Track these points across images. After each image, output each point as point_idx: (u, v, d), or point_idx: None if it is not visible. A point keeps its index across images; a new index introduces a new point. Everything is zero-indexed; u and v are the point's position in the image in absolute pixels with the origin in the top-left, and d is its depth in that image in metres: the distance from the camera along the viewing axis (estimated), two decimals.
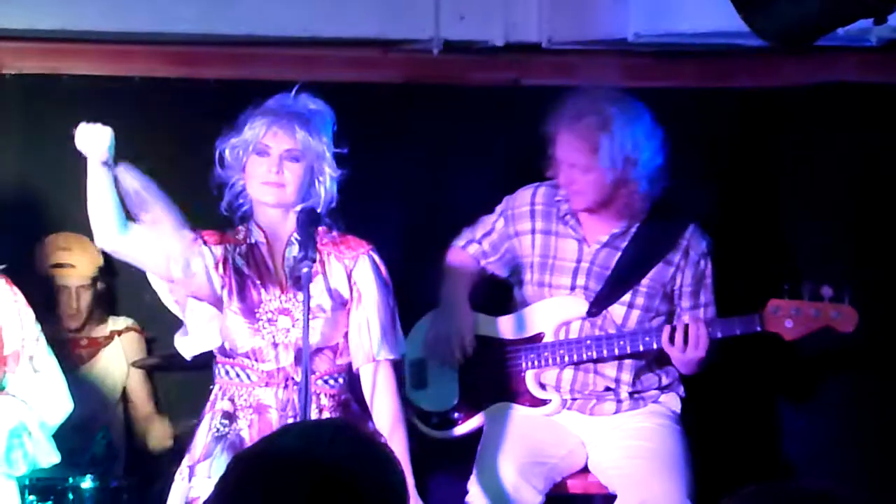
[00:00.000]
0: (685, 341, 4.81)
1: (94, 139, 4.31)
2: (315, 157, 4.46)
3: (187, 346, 4.58)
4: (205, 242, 4.51)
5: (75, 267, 5.54)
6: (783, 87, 5.80)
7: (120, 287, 5.71)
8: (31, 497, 4.80)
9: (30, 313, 4.49)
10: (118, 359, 5.67)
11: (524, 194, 5.10)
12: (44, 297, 5.47)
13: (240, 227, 4.57)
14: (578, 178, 4.86)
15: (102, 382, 5.64)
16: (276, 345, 4.44)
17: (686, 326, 4.84)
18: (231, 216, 4.57)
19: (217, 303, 4.49)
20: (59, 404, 4.47)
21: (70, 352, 5.56)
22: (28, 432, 4.41)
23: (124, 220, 4.39)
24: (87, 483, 4.99)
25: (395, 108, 5.83)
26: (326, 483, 2.22)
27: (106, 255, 5.46)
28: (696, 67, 5.86)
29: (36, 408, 4.41)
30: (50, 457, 4.45)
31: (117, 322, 5.69)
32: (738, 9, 3.81)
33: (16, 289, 4.52)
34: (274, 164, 4.41)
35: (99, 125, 4.33)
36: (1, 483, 4.43)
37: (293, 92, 4.52)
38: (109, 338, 5.67)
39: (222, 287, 4.48)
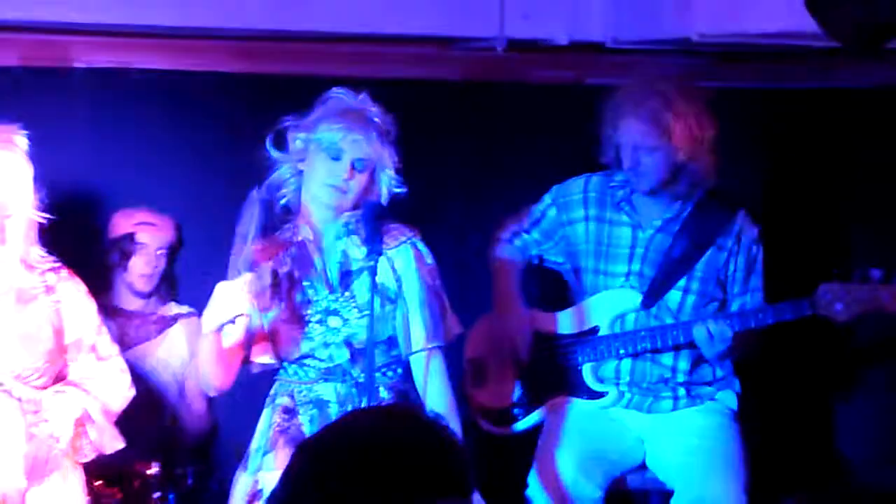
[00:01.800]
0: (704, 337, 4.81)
1: (230, 300, 4.27)
2: (381, 166, 4.49)
3: (255, 366, 4.60)
4: (253, 263, 4.49)
5: (157, 226, 5.62)
6: (842, 88, 5.85)
7: (182, 277, 5.81)
8: (98, 483, 4.81)
9: (91, 304, 4.54)
10: (181, 343, 5.72)
11: (576, 183, 5.11)
12: (117, 262, 5.65)
13: (287, 227, 4.59)
14: (645, 160, 4.86)
15: (167, 364, 5.71)
16: (327, 344, 4.47)
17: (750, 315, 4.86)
18: (270, 199, 4.56)
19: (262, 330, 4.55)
20: (122, 391, 4.52)
21: (138, 328, 5.69)
22: (91, 419, 4.45)
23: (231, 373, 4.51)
24: (153, 469, 5.03)
25: (457, 105, 5.87)
26: (390, 466, 2.23)
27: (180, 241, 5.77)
28: (757, 68, 5.86)
29: (99, 395, 4.45)
30: (115, 442, 4.49)
31: (181, 307, 5.76)
32: (811, 10, 3.82)
33: (78, 280, 4.56)
34: (345, 169, 4.42)
35: (234, 288, 4.26)
36: (68, 470, 4.44)
37: (360, 95, 4.53)
38: (174, 319, 5.74)
39: (271, 300, 4.49)
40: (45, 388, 4.41)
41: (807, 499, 1.52)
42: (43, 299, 4.44)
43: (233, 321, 4.30)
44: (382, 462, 2.25)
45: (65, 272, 4.52)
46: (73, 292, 4.52)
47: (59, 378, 4.46)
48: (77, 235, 5.64)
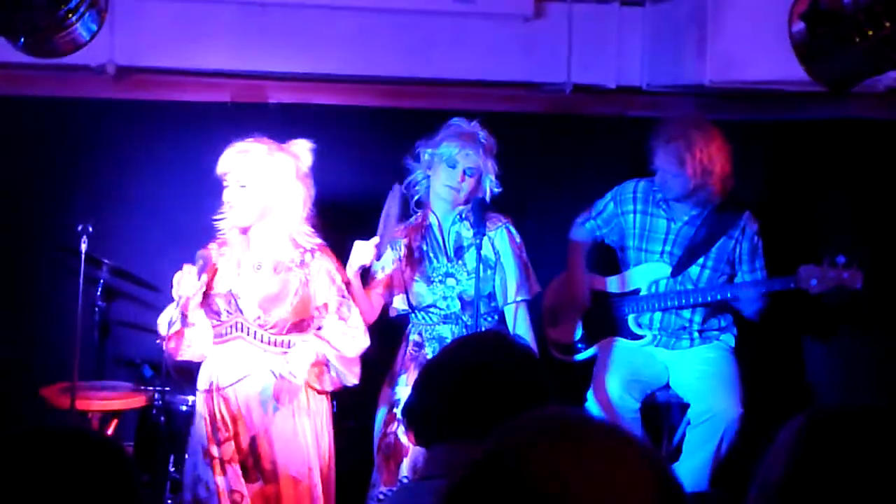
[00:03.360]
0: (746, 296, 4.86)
1: (362, 252, 4.32)
2: (484, 172, 4.52)
3: (393, 310, 4.64)
4: (393, 240, 4.57)
5: None
6: (808, 120, 5.77)
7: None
8: (336, 409, 4.79)
9: (339, 276, 4.30)
10: None
11: (629, 185, 5.06)
12: None
13: (419, 213, 4.62)
14: (670, 181, 4.87)
15: None
16: (445, 298, 4.51)
17: (748, 285, 4.87)
18: (407, 193, 4.58)
19: (400, 282, 4.57)
20: (357, 342, 4.29)
21: None
22: (328, 362, 4.30)
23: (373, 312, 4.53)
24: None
25: (539, 131, 5.82)
26: (492, 376, 2.27)
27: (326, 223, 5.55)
28: (746, 105, 5.76)
29: (337, 345, 4.28)
30: (350, 379, 4.35)
31: None
32: (802, 62, 3.82)
33: (331, 258, 4.35)
34: (458, 175, 4.48)
35: (369, 242, 4.33)
36: (312, 397, 4.32)
37: (472, 122, 4.55)
38: None
39: (406, 265, 4.55)
40: (287, 334, 4.25)
41: (819, 414, 1.50)
42: (296, 271, 4.27)
43: (364, 266, 4.34)
44: (486, 373, 2.28)
45: (319, 252, 4.32)
46: (324, 268, 4.29)
47: (302, 330, 4.27)
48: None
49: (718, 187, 4.86)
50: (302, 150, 4.37)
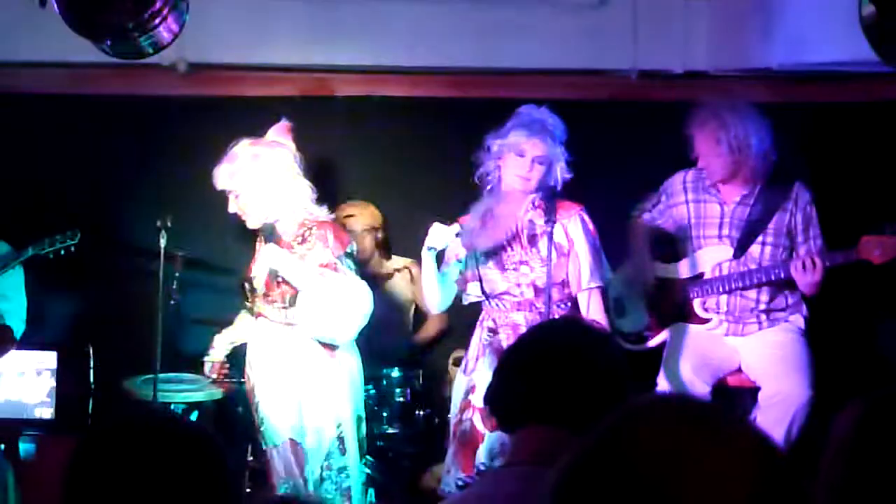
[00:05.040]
0: (805, 267, 4.75)
1: (439, 235, 4.45)
2: (553, 159, 4.52)
3: (467, 297, 4.66)
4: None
5: (356, 217, 5.58)
6: (877, 101, 5.72)
7: (395, 239, 5.79)
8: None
9: (339, 246, 4.44)
10: (405, 286, 5.71)
11: (678, 177, 5.11)
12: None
13: (492, 202, 4.58)
14: (710, 162, 4.90)
15: (392, 300, 5.66)
16: (518, 285, 4.52)
17: (806, 259, 4.77)
18: (480, 183, 4.60)
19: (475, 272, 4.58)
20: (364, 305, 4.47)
21: (371, 276, 5.60)
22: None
23: (446, 297, 4.63)
24: (395, 373, 5.16)
25: (605, 117, 5.82)
26: (571, 358, 2.28)
27: (383, 215, 5.69)
28: (816, 88, 5.75)
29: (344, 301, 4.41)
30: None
31: (398, 262, 5.74)
32: (871, 43, 3.79)
33: (328, 228, 4.48)
34: (527, 164, 4.48)
35: (449, 227, 4.44)
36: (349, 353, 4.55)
37: (540, 109, 4.55)
38: (391, 274, 5.72)
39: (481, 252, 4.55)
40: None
41: (873, 400, 1.49)
42: (297, 248, 4.48)
43: (437, 248, 4.44)
44: (568, 356, 2.29)
45: (317, 228, 4.47)
46: (320, 237, 4.44)
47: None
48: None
49: (759, 162, 4.88)
50: (280, 134, 4.45)
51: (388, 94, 5.87)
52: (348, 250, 4.51)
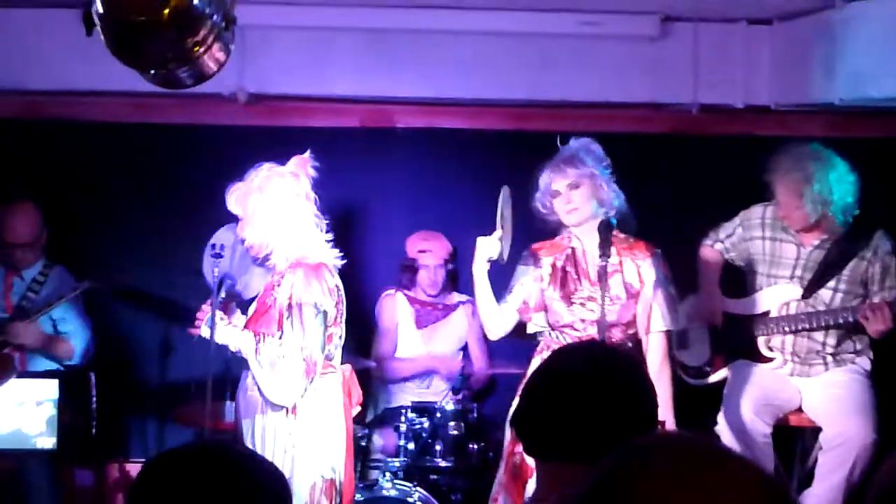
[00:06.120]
0: (876, 315, 4.73)
1: (486, 246, 4.42)
2: (589, 179, 4.44)
3: (531, 326, 4.63)
4: (535, 257, 4.57)
5: (432, 252, 5.62)
6: None
7: (463, 270, 5.60)
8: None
9: (301, 294, 4.16)
10: (462, 320, 5.72)
11: (757, 210, 5.06)
12: (409, 278, 5.67)
13: (564, 234, 4.58)
14: (791, 213, 4.87)
15: (450, 334, 5.70)
16: (583, 321, 4.47)
17: (877, 305, 4.76)
18: (545, 219, 4.55)
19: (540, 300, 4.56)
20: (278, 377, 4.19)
21: (430, 312, 5.70)
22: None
23: (505, 322, 4.54)
24: (449, 405, 5.03)
25: (666, 150, 5.83)
26: (606, 384, 2.21)
27: (454, 246, 5.66)
28: (877, 122, 5.71)
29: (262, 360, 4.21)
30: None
31: (461, 296, 5.75)
32: None
33: (305, 270, 4.20)
34: (565, 198, 4.47)
35: (491, 238, 4.42)
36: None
37: (581, 138, 4.53)
38: (454, 307, 5.73)
39: (549, 284, 4.52)
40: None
41: None
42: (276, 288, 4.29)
43: (491, 257, 4.38)
44: (595, 381, 2.22)
45: (293, 269, 4.22)
46: (290, 281, 4.20)
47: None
48: (387, 248, 5.80)
49: (840, 217, 4.84)
50: (300, 167, 4.31)
51: (447, 127, 5.91)
52: (319, 305, 4.21)
